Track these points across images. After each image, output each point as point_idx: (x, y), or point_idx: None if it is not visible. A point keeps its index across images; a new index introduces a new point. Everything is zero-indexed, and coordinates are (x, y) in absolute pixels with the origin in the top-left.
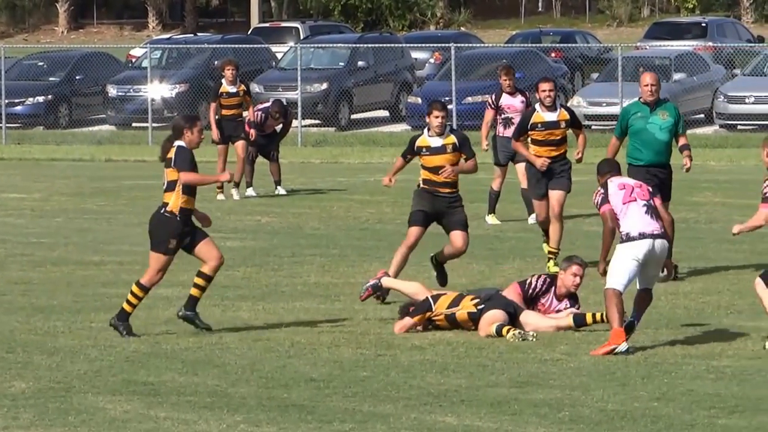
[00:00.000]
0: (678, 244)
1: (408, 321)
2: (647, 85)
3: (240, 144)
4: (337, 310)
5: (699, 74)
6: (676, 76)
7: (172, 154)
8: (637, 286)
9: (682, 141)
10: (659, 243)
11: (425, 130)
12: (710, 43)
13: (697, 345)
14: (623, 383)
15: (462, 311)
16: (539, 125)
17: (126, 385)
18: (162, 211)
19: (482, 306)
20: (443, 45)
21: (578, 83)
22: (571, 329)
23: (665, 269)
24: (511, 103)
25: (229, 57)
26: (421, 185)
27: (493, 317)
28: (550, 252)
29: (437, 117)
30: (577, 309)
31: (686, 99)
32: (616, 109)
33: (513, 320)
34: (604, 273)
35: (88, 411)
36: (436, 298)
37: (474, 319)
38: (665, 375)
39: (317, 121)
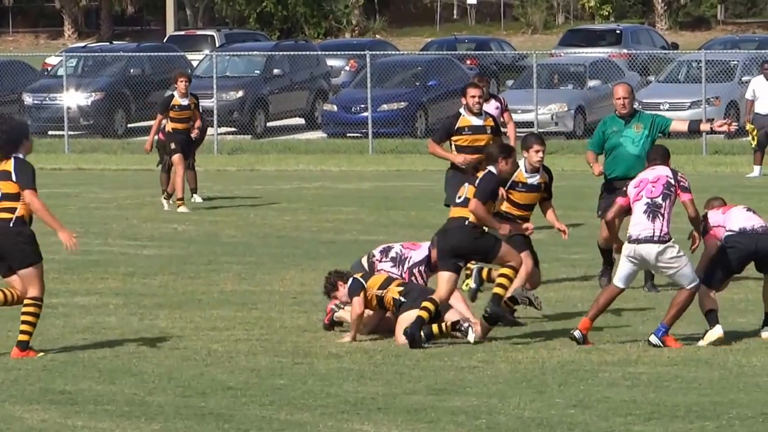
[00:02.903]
0: (595, 251)
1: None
2: (619, 99)
3: (177, 157)
4: (254, 318)
5: (614, 81)
6: (591, 83)
7: (479, 174)
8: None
9: (680, 126)
10: (642, 248)
11: (521, 164)
12: (625, 50)
13: (613, 352)
14: (540, 390)
15: (389, 295)
16: (466, 129)
17: (43, 394)
18: (466, 223)
19: (404, 299)
20: (358, 52)
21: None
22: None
23: None
24: (486, 109)
25: (181, 69)
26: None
27: (410, 318)
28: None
29: (538, 152)
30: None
31: (601, 106)
32: (531, 116)
33: (434, 318)
34: None
35: (5, 420)
36: (366, 278)
37: (396, 305)
38: (581, 382)
39: (233, 129)
